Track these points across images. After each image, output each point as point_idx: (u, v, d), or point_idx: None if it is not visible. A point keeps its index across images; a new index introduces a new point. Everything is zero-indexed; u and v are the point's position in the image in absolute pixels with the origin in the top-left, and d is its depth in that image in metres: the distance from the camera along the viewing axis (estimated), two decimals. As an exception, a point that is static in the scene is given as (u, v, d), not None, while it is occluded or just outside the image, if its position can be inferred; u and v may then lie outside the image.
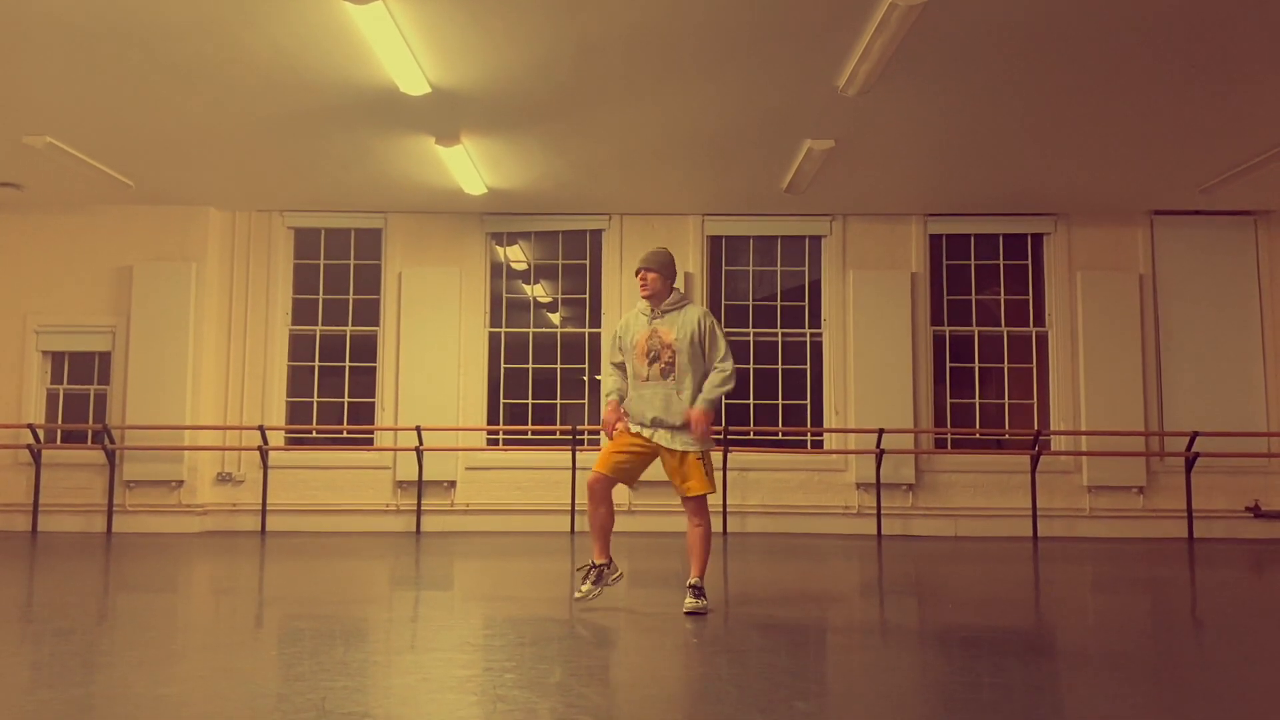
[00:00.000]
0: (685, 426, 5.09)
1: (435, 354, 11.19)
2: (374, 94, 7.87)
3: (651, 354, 5.17)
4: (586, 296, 11.55)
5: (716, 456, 10.83)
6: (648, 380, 5.17)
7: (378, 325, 11.41)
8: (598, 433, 11.26)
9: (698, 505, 5.17)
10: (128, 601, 5.72)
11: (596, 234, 11.51)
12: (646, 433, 5.16)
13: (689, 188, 10.49)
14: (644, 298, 5.28)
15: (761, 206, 11.08)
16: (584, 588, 5.26)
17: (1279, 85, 7.58)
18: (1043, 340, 11.36)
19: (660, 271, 5.25)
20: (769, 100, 8.00)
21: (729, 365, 5.19)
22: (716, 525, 10.69)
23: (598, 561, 5.29)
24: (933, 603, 5.73)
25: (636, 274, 5.31)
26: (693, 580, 5.16)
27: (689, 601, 5.08)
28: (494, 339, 11.44)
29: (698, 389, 5.14)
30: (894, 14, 6.26)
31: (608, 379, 5.45)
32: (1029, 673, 3.76)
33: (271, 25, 6.70)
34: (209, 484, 11.09)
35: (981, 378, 11.35)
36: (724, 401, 11.12)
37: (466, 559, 8.19)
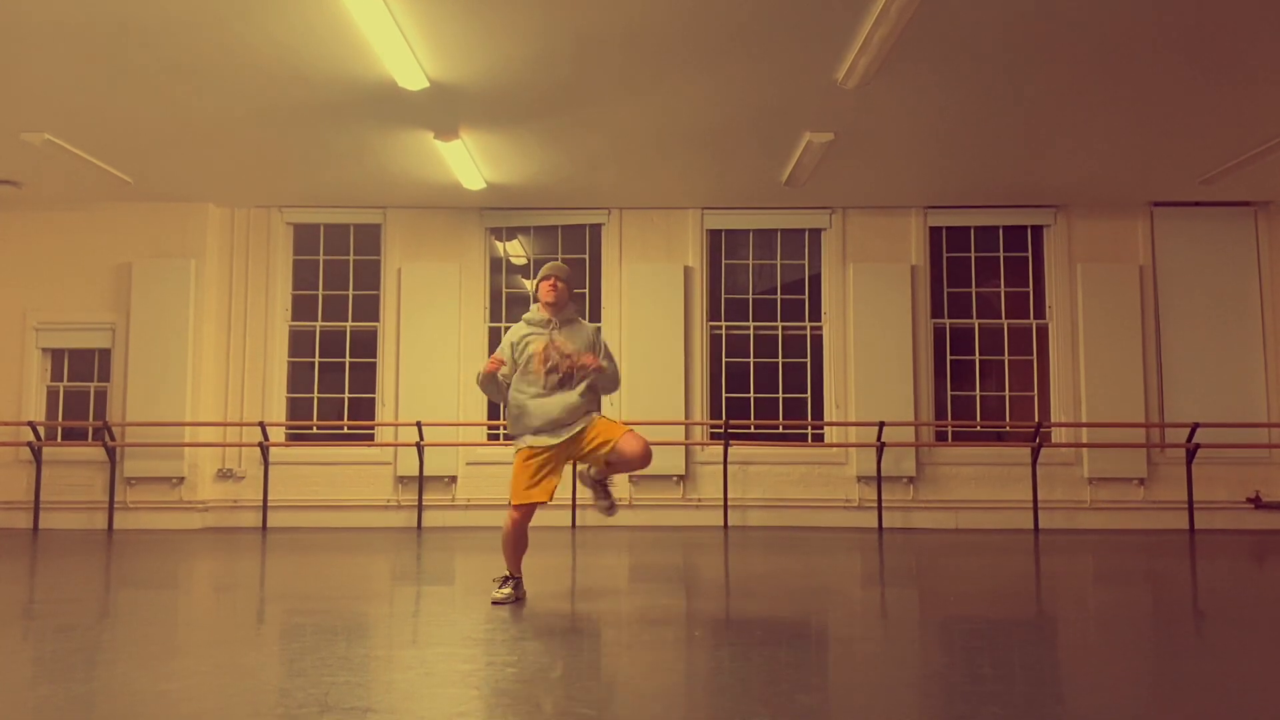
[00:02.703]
0: (583, 417, 5.20)
1: (435, 349, 11.19)
2: (372, 89, 7.86)
3: (550, 364, 5.20)
4: (586, 291, 11.53)
5: (714, 450, 10.83)
6: (545, 390, 5.19)
7: (377, 321, 11.41)
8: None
9: (634, 441, 5.16)
10: (129, 598, 5.73)
11: (596, 228, 11.49)
12: (547, 440, 5.17)
13: (688, 181, 10.48)
14: (547, 304, 5.33)
15: (761, 200, 11.07)
16: (505, 591, 5.33)
17: (1278, 76, 7.56)
18: (1043, 332, 11.36)
19: (569, 283, 5.40)
20: (768, 93, 7.99)
21: (616, 371, 5.43)
22: (717, 519, 10.70)
23: (515, 574, 5.42)
24: (934, 595, 5.73)
25: (543, 280, 5.35)
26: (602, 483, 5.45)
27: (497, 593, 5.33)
28: (494, 334, 11.43)
29: (590, 389, 5.26)
30: (893, 6, 6.24)
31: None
32: (1030, 664, 3.76)
33: (269, 20, 6.69)
34: (210, 480, 11.10)
35: (982, 370, 11.35)
36: (724, 395, 11.21)
37: (468, 554, 8.19)
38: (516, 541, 5.34)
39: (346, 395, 11.45)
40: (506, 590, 5.32)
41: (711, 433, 11.06)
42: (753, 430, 11.17)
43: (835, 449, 11.05)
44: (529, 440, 5.19)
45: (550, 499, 5.26)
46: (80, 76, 7.62)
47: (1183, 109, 8.29)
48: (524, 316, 5.42)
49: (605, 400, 11.13)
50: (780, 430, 11.27)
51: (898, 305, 11.10)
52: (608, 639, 4.41)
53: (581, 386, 5.19)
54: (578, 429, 5.17)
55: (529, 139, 9.12)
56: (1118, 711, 3.05)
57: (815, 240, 11.46)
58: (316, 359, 11.48)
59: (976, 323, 11.38)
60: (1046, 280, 11.35)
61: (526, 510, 5.24)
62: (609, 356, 5.38)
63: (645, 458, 5.14)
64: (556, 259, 11.72)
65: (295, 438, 11.40)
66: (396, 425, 11.01)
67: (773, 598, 5.69)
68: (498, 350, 5.38)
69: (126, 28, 6.78)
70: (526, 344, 5.29)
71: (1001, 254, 11.46)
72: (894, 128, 8.78)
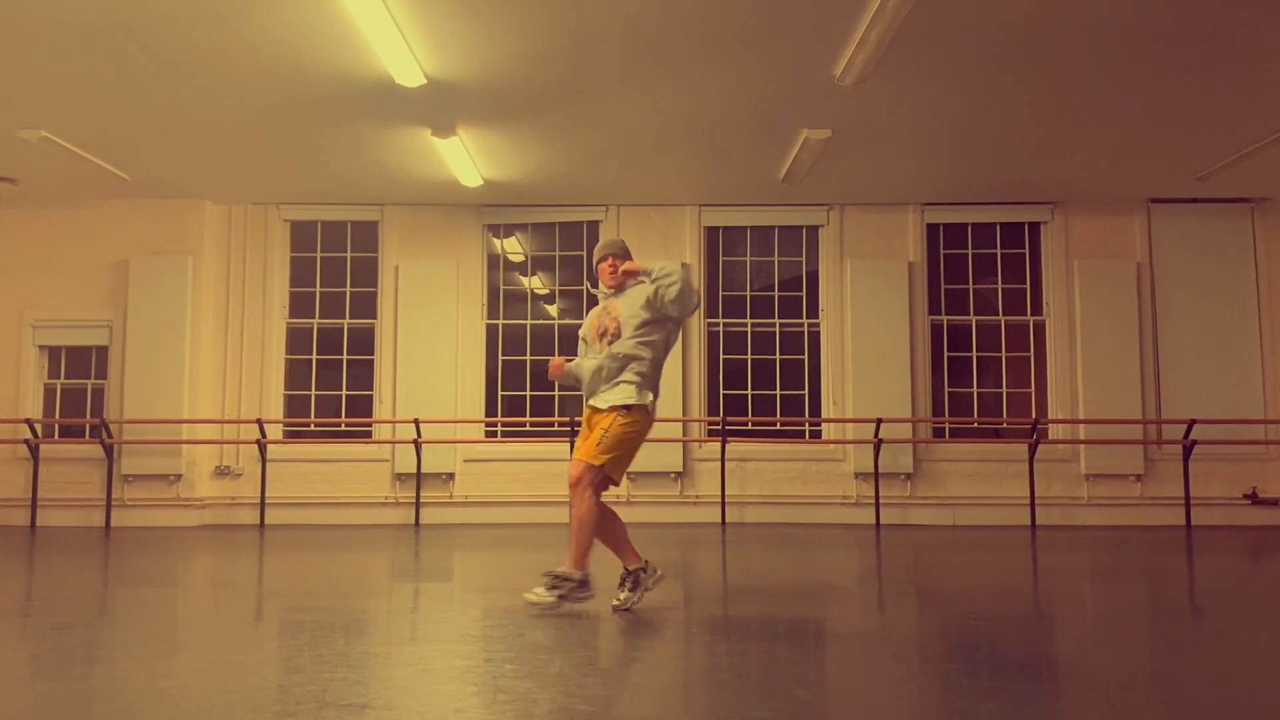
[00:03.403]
0: (603, 391, 4.79)
1: (433, 346, 11.18)
2: (369, 85, 7.85)
3: (601, 329, 4.91)
4: (584, 288, 11.53)
5: (712, 447, 10.81)
6: (593, 367, 4.89)
7: (375, 318, 11.40)
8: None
9: (579, 474, 4.71)
10: (127, 595, 5.72)
11: (594, 225, 11.49)
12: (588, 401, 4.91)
13: (686, 178, 10.47)
14: (610, 287, 5.01)
15: (758, 197, 11.06)
16: (623, 595, 4.81)
17: (1275, 72, 7.57)
18: (1040, 329, 11.37)
19: (627, 258, 5.02)
20: (765, 90, 7.99)
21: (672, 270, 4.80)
22: (715, 516, 10.69)
23: (631, 567, 4.87)
24: (931, 591, 5.74)
25: (600, 262, 5.02)
26: (561, 569, 4.75)
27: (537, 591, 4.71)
28: (491, 331, 11.43)
29: (635, 359, 4.79)
30: (890, 3, 6.24)
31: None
32: (1027, 660, 3.77)
33: (266, 16, 6.68)
34: (207, 478, 11.09)
35: (979, 367, 11.36)
36: (722, 391, 11.21)
37: (465, 551, 8.20)
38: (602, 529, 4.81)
39: (344, 392, 11.44)
40: (625, 594, 4.77)
41: (709, 429, 11.06)
42: (750, 427, 11.18)
43: (833, 446, 11.06)
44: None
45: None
46: (77, 73, 7.60)
47: (1179, 105, 8.30)
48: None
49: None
50: (778, 427, 11.27)
51: (895, 302, 11.10)
52: (605, 635, 4.41)
53: (612, 351, 4.77)
54: (594, 403, 4.80)
55: (526, 136, 9.11)
56: (1115, 707, 3.05)
57: (813, 237, 11.46)
58: (314, 356, 11.47)
59: (974, 319, 11.39)
60: (1044, 277, 11.35)
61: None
62: (665, 275, 4.78)
63: (576, 515, 4.71)
64: (554, 256, 11.73)
65: (293, 435, 11.40)
66: (394, 422, 11.01)
67: (770, 594, 5.70)
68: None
69: (123, 24, 6.76)
70: (587, 322, 5.05)
71: (999, 250, 11.47)
72: (891, 124, 8.78)
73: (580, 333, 5.15)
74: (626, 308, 4.89)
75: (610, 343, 4.85)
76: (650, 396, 4.80)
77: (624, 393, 4.75)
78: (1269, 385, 10.99)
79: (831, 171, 10.07)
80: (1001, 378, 11.39)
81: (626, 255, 5.07)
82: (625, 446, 4.78)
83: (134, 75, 7.64)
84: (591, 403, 4.88)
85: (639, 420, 4.80)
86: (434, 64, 7.42)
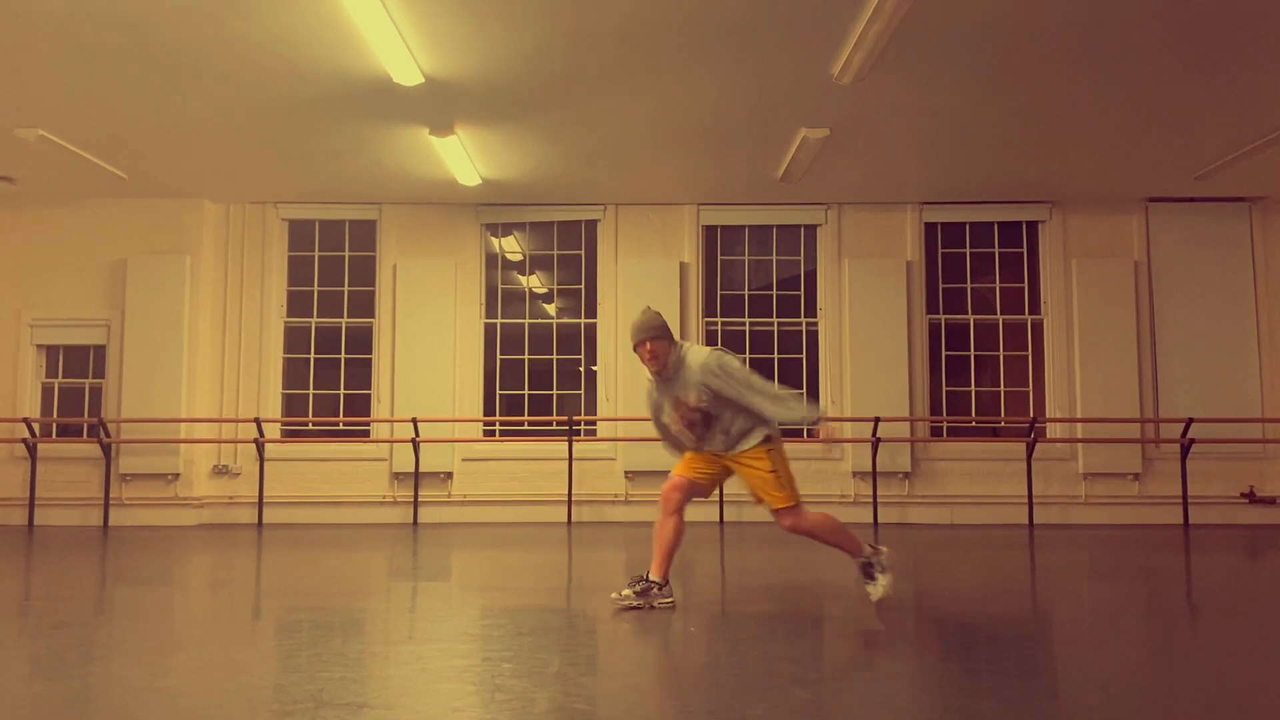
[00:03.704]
0: (741, 440, 4.90)
1: (431, 345, 11.18)
2: (367, 84, 7.84)
3: (688, 421, 4.94)
4: (582, 287, 11.53)
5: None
6: (704, 440, 4.97)
7: (373, 317, 11.39)
8: (594, 423, 11.27)
9: (792, 524, 4.97)
10: (125, 594, 5.72)
11: (592, 224, 11.49)
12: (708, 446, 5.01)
13: (684, 177, 10.47)
14: (654, 372, 5.01)
15: (757, 196, 11.06)
16: (625, 592, 4.92)
17: (1273, 71, 7.57)
18: (1038, 328, 11.37)
19: (664, 337, 4.95)
20: (764, 89, 7.98)
21: (767, 390, 4.82)
22: (712, 514, 10.70)
23: (652, 578, 4.94)
24: (929, 590, 5.74)
25: (636, 348, 4.97)
26: (862, 558, 4.99)
27: (869, 586, 4.95)
28: (489, 330, 11.43)
29: (743, 412, 4.86)
30: (888, 1, 6.24)
31: (668, 452, 5.35)
32: (1026, 659, 3.77)
33: (265, 16, 6.67)
34: (205, 477, 11.08)
35: (977, 366, 11.36)
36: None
37: (464, 550, 8.20)
38: (658, 530, 5.03)
39: (342, 391, 11.44)
40: (628, 592, 4.91)
41: (707, 428, 11.04)
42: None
43: (831, 444, 11.06)
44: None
45: (691, 474, 5.05)
46: (75, 72, 7.59)
47: (1177, 105, 8.30)
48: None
49: (616, 398, 11.12)
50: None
51: (893, 301, 11.11)
52: (603, 634, 4.41)
53: (733, 420, 4.86)
54: (734, 455, 4.95)
55: (524, 135, 9.11)
56: (1113, 706, 3.05)
57: (811, 236, 11.46)
58: (312, 355, 11.46)
59: (972, 318, 11.39)
60: (1042, 276, 11.36)
61: (672, 486, 5.08)
62: (726, 375, 4.81)
63: (823, 531, 5.02)
64: (552, 255, 11.71)
65: (291, 434, 11.39)
66: (392, 421, 11.00)
67: (768, 593, 5.70)
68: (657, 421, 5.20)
69: (121, 23, 6.76)
70: (662, 410, 5.08)
71: (997, 249, 11.48)
72: (889, 124, 8.78)
73: (658, 419, 5.20)
74: (692, 393, 4.90)
75: (702, 426, 4.93)
76: (767, 430, 4.94)
77: (754, 437, 4.90)
78: (1266, 384, 11.00)
79: (829, 170, 10.07)
80: (999, 377, 11.40)
81: (663, 335, 4.96)
82: (786, 468, 5.02)
83: (132, 74, 7.63)
84: (725, 458, 5.03)
85: (777, 444, 5.00)
86: (432, 63, 7.42)
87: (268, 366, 11.25)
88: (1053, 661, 3.77)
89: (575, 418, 11.00)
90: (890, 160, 9.87)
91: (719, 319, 11.35)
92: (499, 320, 11.45)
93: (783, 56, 7.34)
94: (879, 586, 4.92)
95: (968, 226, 11.45)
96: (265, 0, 6.44)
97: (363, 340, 11.42)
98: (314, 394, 11.42)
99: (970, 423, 11.33)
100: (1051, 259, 11.29)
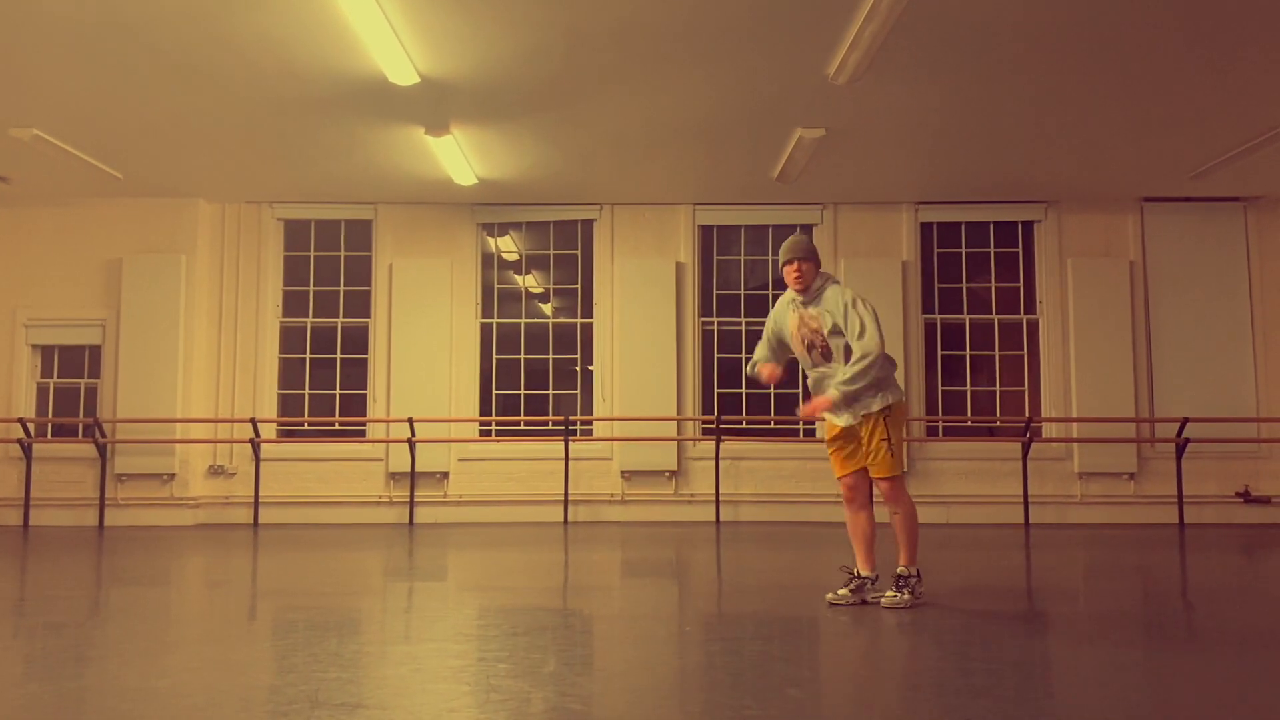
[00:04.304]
0: (861, 403, 4.92)
1: (427, 345, 11.18)
2: (363, 84, 7.84)
3: (808, 342, 5.06)
4: (578, 286, 11.53)
5: (706, 446, 10.83)
6: (815, 367, 5.08)
7: (369, 317, 11.39)
8: (590, 423, 11.27)
9: (889, 489, 5.03)
10: (120, 595, 5.71)
11: (588, 224, 11.49)
12: (832, 418, 5.06)
13: (680, 177, 10.47)
14: (797, 291, 5.09)
15: (752, 195, 11.07)
16: (841, 592, 5.06)
17: (1269, 70, 7.59)
18: (1034, 327, 11.39)
19: (812, 259, 5.06)
20: (759, 89, 7.99)
21: (866, 348, 4.81)
22: (709, 515, 10.71)
23: (862, 573, 5.09)
24: (925, 589, 5.74)
25: (785, 265, 5.05)
26: (898, 569, 5.02)
27: (888, 595, 4.97)
28: (485, 330, 11.43)
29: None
30: (883, 2, 6.24)
31: (757, 352, 5.35)
32: (1021, 659, 3.77)
33: (260, 15, 6.66)
34: (201, 477, 11.07)
35: (973, 365, 11.37)
36: (716, 390, 11.22)
37: (460, 550, 8.19)
38: (850, 527, 5.20)
39: (338, 391, 11.43)
40: (845, 591, 5.02)
41: (704, 428, 11.06)
42: (745, 426, 11.19)
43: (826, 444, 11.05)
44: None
45: (847, 472, 5.12)
46: (70, 72, 7.58)
47: (1173, 104, 8.32)
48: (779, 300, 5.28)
49: (609, 395, 11.10)
50: (772, 426, 11.28)
51: (889, 301, 11.10)
52: (599, 634, 4.42)
53: (840, 385, 4.87)
54: (856, 418, 4.95)
55: (520, 134, 9.11)
56: (1108, 706, 3.06)
57: (807, 236, 11.44)
58: (308, 355, 11.46)
59: (967, 318, 11.41)
60: (1037, 275, 11.38)
61: (845, 488, 5.17)
62: (849, 324, 4.87)
63: (904, 517, 5.05)
64: (548, 254, 11.71)
65: (287, 434, 11.39)
66: (388, 421, 11.00)
67: (764, 593, 5.70)
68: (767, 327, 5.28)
69: (115, 22, 6.75)
70: (785, 323, 5.18)
71: (992, 249, 11.49)
72: (885, 123, 8.79)
73: (772, 327, 5.26)
74: (824, 322, 4.99)
75: (820, 353, 5.02)
76: (892, 395, 4.98)
77: (870, 403, 4.93)
78: (1261, 383, 11.03)
79: (825, 170, 10.08)
80: (995, 376, 11.41)
81: (811, 257, 5.07)
82: (899, 436, 5.05)
83: (127, 74, 7.62)
84: (842, 424, 5.02)
85: (897, 408, 5.02)
86: (427, 62, 7.41)
87: (263, 366, 11.25)
88: (1048, 661, 3.77)
89: (571, 417, 11.00)
90: (886, 160, 9.88)
91: (715, 318, 11.36)
92: (495, 320, 11.45)
93: (778, 56, 7.35)
94: (898, 598, 4.92)
95: (963, 226, 11.46)
96: (260, 0, 6.44)
97: (358, 340, 11.41)
98: (310, 394, 11.41)
99: (966, 422, 11.34)
100: (1047, 259, 11.31)
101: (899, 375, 5.20)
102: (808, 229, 11.42)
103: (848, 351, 4.91)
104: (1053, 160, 9.88)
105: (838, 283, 5.12)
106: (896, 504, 5.04)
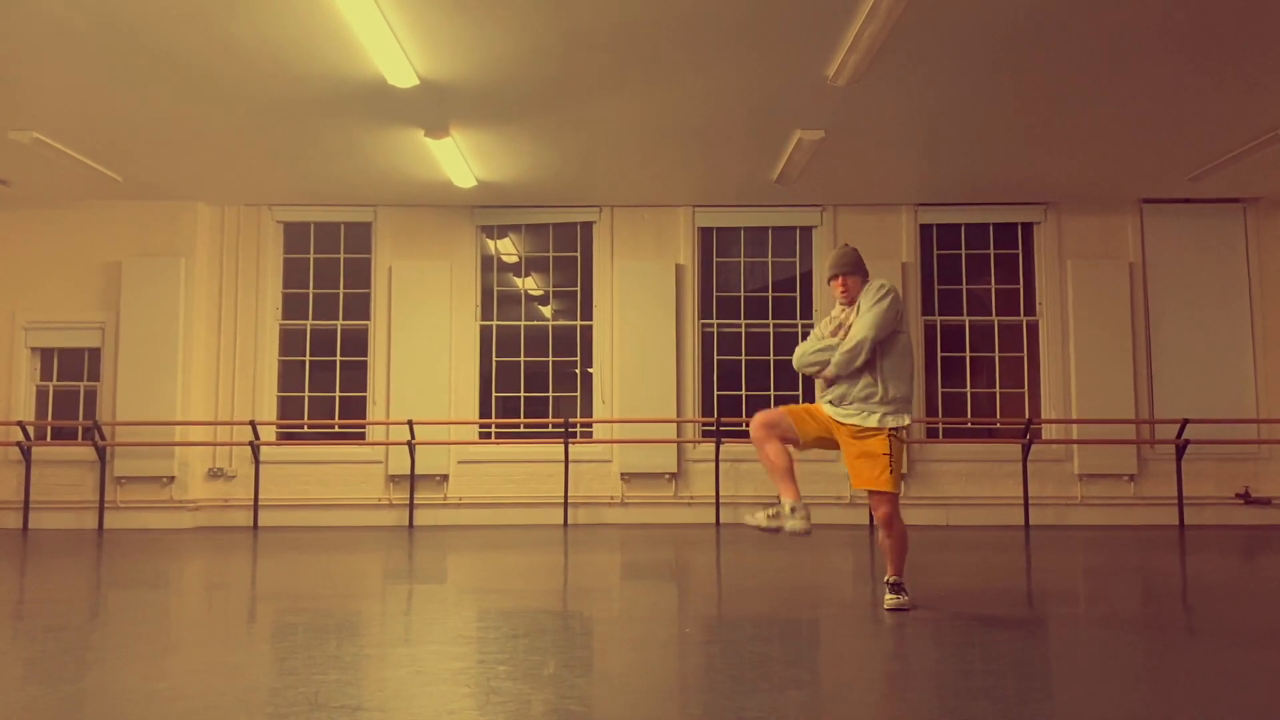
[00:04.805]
0: (861, 406, 4.87)
1: (426, 348, 11.18)
2: (362, 86, 7.84)
3: (839, 336, 5.02)
4: (578, 289, 11.53)
5: (706, 448, 10.83)
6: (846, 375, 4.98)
7: (368, 319, 11.39)
8: (590, 425, 11.26)
9: (887, 511, 4.85)
10: (120, 597, 5.71)
11: (587, 226, 11.49)
12: (830, 410, 4.99)
13: (679, 179, 10.48)
14: (844, 304, 5.06)
15: (752, 197, 11.07)
16: (889, 598, 4.87)
17: (1267, 72, 7.59)
18: (1033, 329, 11.39)
19: (858, 273, 5.04)
20: (759, 91, 7.99)
21: (863, 333, 4.81)
22: (709, 517, 10.71)
23: (784, 499, 4.93)
24: (925, 591, 5.74)
25: (830, 280, 5.05)
26: (890, 578, 4.93)
27: (888, 598, 4.87)
28: (485, 332, 11.43)
29: (880, 373, 4.86)
30: (883, 3, 6.25)
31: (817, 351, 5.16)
32: (1021, 660, 3.77)
33: (259, 17, 6.67)
34: (200, 480, 11.06)
35: (973, 367, 11.37)
36: (716, 392, 11.21)
37: (459, 552, 8.19)
38: (763, 460, 5.09)
39: (337, 394, 11.43)
40: (763, 515, 4.90)
41: (703, 430, 11.06)
42: (745, 428, 11.15)
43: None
44: (822, 397, 5.05)
45: (787, 413, 5.08)
46: (69, 75, 7.59)
47: (1172, 106, 8.32)
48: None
49: (604, 397, 11.10)
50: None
51: (889, 302, 11.09)
52: (599, 636, 4.41)
53: (870, 376, 4.85)
54: (852, 421, 4.89)
55: (520, 136, 9.11)
56: (1108, 707, 3.06)
57: (806, 238, 11.47)
58: (307, 358, 11.45)
59: (967, 319, 11.41)
60: (1037, 277, 11.38)
61: (760, 420, 5.06)
62: (871, 298, 4.89)
63: (896, 537, 4.88)
64: (547, 257, 11.71)
65: (286, 437, 11.38)
66: (388, 424, 10.99)
67: (764, 595, 5.70)
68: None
69: (115, 25, 6.75)
70: (830, 321, 5.13)
71: (992, 251, 11.50)
72: (884, 125, 8.79)
73: (817, 332, 5.22)
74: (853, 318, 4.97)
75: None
76: (908, 417, 4.95)
77: (897, 418, 4.87)
78: (1261, 385, 11.03)
79: (825, 172, 10.08)
80: (995, 378, 11.41)
81: (857, 270, 5.04)
82: (901, 458, 4.96)
83: (126, 76, 7.63)
84: (855, 421, 4.92)
85: (905, 433, 4.99)
86: (427, 65, 7.42)
87: (263, 369, 11.24)
88: (1048, 662, 3.77)
89: (571, 420, 10.99)
90: (885, 162, 9.88)
91: (715, 320, 11.35)
92: (494, 322, 11.45)
93: (778, 58, 7.35)
94: (899, 599, 4.87)
95: (963, 228, 11.47)
96: (259, 2, 6.44)
97: (358, 342, 11.41)
98: (309, 396, 11.41)
99: (966, 424, 11.34)
100: (1046, 260, 11.31)
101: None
102: (808, 231, 11.42)
103: (889, 361, 4.87)
104: (1052, 162, 9.88)
105: (869, 281, 5.08)
106: (890, 529, 4.88)
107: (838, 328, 5.05)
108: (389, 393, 11.13)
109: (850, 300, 5.03)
